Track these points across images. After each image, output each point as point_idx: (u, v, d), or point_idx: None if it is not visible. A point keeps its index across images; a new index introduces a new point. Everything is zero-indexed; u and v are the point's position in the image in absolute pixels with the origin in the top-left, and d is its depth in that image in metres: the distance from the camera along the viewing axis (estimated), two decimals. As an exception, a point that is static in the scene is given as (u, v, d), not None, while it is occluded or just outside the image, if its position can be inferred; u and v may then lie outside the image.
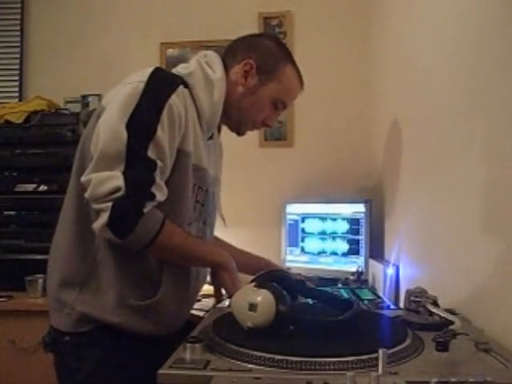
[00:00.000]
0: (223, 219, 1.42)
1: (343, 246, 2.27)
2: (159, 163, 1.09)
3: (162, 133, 1.09)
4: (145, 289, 1.15)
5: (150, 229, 1.08)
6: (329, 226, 2.32)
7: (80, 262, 1.16)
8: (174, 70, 1.25)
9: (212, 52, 1.30)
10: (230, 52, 1.32)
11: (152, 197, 1.07)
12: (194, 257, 1.21)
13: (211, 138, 1.29)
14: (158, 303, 1.15)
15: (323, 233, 2.33)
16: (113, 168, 1.05)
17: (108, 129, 1.08)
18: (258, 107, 1.31)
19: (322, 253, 2.33)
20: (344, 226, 2.27)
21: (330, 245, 2.31)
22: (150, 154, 1.08)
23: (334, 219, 2.30)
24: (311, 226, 2.37)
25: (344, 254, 2.26)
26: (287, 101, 1.34)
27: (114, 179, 1.04)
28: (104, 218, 1.04)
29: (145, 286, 1.16)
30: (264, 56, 1.30)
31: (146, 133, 1.08)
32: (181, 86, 1.16)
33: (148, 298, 1.15)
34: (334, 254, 2.29)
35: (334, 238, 2.30)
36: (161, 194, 1.09)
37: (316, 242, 2.36)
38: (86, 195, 1.07)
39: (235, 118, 1.32)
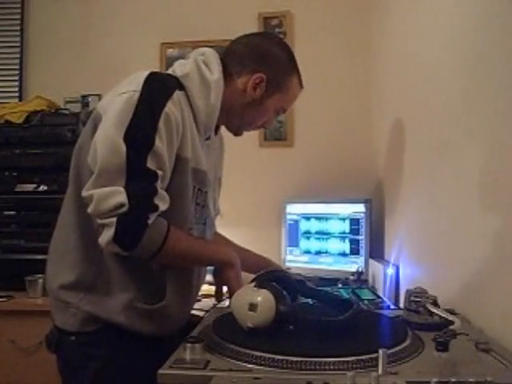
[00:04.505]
0: (219, 212, 1.42)
1: (343, 246, 2.27)
2: (159, 173, 1.09)
3: (160, 142, 1.08)
4: (151, 292, 1.16)
5: (156, 239, 1.08)
6: (329, 226, 2.32)
7: (86, 266, 1.16)
8: (170, 70, 1.24)
9: (210, 50, 1.28)
10: (236, 57, 1.29)
11: (155, 208, 1.07)
12: (201, 258, 1.22)
13: (208, 138, 1.29)
14: (164, 308, 1.16)
15: (323, 233, 2.33)
16: (114, 183, 1.04)
17: (106, 143, 1.07)
18: (262, 116, 1.33)
19: (322, 253, 2.33)
20: (344, 226, 2.26)
21: (330, 245, 2.31)
22: (150, 164, 1.07)
23: (334, 219, 2.30)
24: (311, 225, 2.37)
25: (344, 254, 2.26)
26: (288, 107, 1.38)
27: (117, 195, 1.03)
28: (109, 233, 1.04)
29: (151, 289, 1.16)
30: (274, 69, 1.29)
31: (145, 144, 1.07)
32: (176, 91, 1.14)
33: (155, 301, 1.15)
34: (334, 254, 2.29)
35: (334, 238, 2.30)
36: (163, 203, 1.09)
37: (316, 242, 2.36)
38: (89, 211, 1.06)
39: (236, 123, 1.33)
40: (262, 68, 1.27)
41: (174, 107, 1.12)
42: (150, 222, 1.06)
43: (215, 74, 1.23)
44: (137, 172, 1.06)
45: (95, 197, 1.04)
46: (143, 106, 1.09)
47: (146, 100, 1.10)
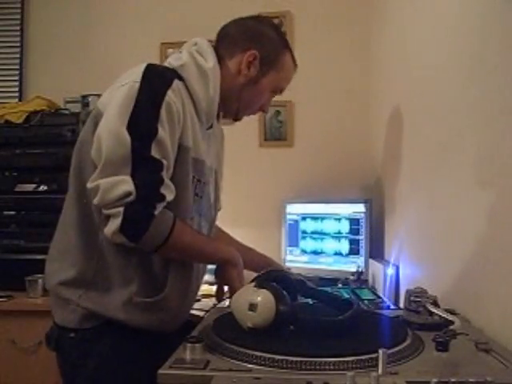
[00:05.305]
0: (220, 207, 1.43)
1: (343, 246, 2.27)
2: (164, 162, 1.09)
3: (163, 131, 1.09)
4: (152, 287, 1.16)
5: (162, 230, 1.08)
6: (329, 226, 2.31)
7: (86, 263, 1.16)
8: (166, 63, 1.24)
9: (202, 39, 1.28)
10: (229, 39, 1.31)
11: (162, 198, 1.07)
12: (203, 254, 1.23)
13: (211, 127, 1.29)
14: (163, 300, 1.16)
15: (323, 233, 2.33)
16: (120, 172, 1.05)
17: (110, 134, 1.07)
18: (259, 96, 1.32)
19: (321, 253, 2.33)
20: (344, 226, 2.26)
21: (330, 245, 2.31)
22: (154, 153, 1.08)
23: (334, 219, 2.30)
24: (311, 226, 2.37)
25: (344, 254, 2.26)
26: (285, 86, 1.37)
27: (124, 184, 1.03)
28: (116, 223, 1.04)
29: (152, 284, 1.16)
30: (266, 47, 1.29)
31: (148, 133, 1.08)
32: (175, 80, 1.15)
33: (154, 295, 1.15)
34: (334, 253, 2.29)
35: (334, 238, 2.30)
36: (169, 193, 1.10)
37: (315, 242, 2.36)
38: (95, 201, 1.06)
39: (235, 106, 1.32)
40: (255, 46, 1.28)
41: (175, 96, 1.13)
42: (156, 212, 1.06)
43: (210, 61, 1.23)
44: (142, 161, 1.06)
45: (101, 187, 1.04)
46: (144, 95, 1.10)
47: (147, 90, 1.10)
